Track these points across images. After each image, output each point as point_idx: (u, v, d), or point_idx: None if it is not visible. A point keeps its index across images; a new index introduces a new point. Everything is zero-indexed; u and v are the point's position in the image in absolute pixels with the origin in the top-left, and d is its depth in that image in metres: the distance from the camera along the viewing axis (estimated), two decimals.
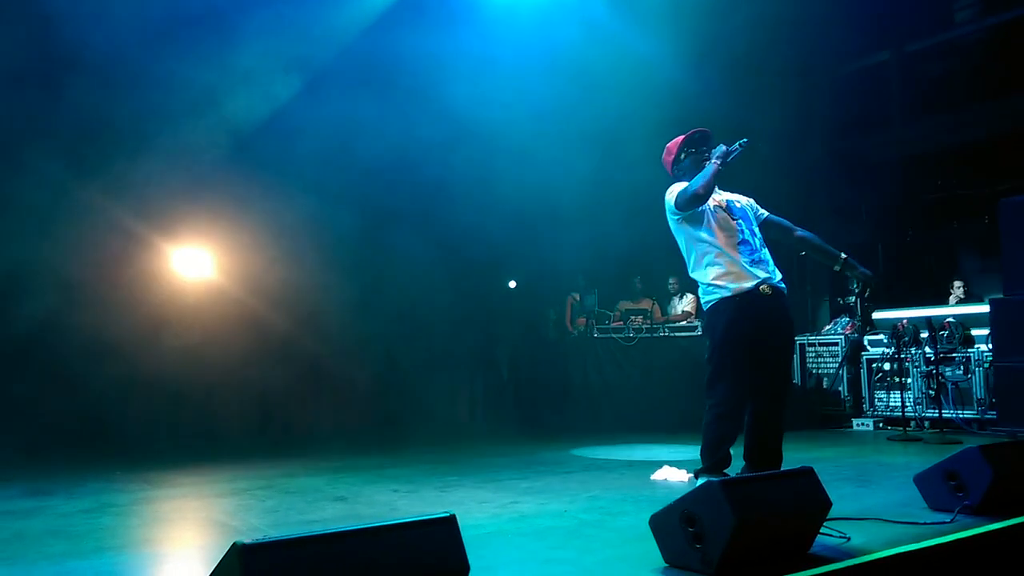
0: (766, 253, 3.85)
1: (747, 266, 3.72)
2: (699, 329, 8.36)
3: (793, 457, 5.95)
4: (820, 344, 8.66)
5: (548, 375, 9.13)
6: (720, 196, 3.94)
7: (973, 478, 3.52)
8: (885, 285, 8.95)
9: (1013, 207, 6.53)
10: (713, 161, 3.78)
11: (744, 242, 3.78)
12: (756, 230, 3.90)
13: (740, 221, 3.86)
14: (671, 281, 8.95)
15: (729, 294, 3.70)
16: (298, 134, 6.93)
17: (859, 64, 9.88)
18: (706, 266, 3.78)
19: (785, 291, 3.85)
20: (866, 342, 8.33)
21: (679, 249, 3.98)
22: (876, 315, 8.36)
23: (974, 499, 3.49)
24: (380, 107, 7.00)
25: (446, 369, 8.60)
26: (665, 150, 4.08)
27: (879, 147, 9.34)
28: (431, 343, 8.40)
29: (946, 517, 3.39)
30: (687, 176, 3.89)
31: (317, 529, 1.97)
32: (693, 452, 6.09)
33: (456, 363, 8.67)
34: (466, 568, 1.99)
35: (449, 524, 2.01)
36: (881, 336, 8.18)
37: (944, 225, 8.73)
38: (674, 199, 3.83)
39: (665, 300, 9.01)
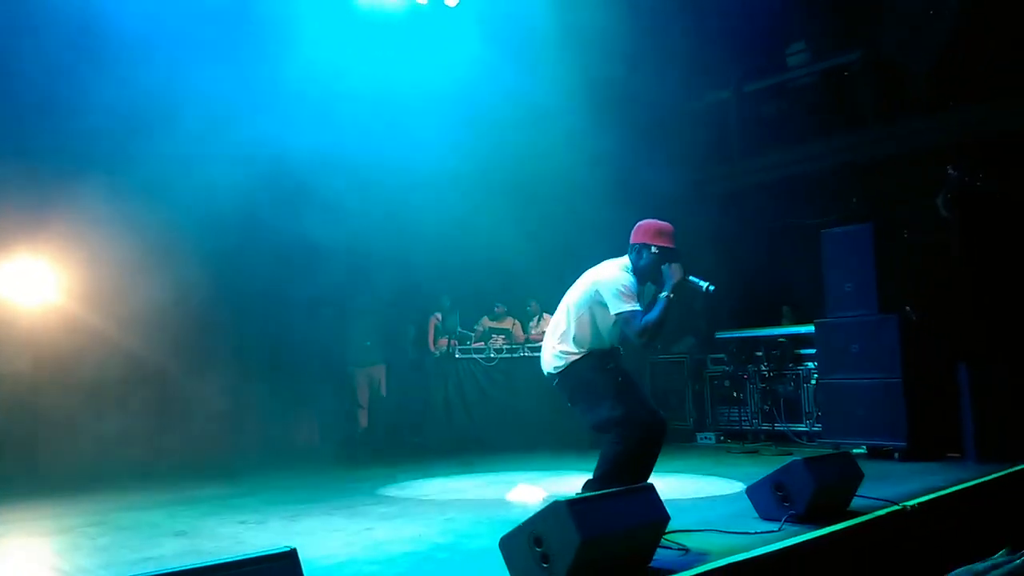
0: None
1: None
2: None
3: None
4: (668, 362, 9.12)
5: (407, 396, 9.04)
6: None
7: (798, 489, 3.81)
8: (727, 307, 9.54)
9: (833, 237, 7.15)
10: (669, 295, 3.71)
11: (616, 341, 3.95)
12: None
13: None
14: (531, 304, 9.12)
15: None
16: (155, 137, 6.50)
17: (704, 101, 10.56)
18: (584, 340, 3.85)
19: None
20: (708, 360, 8.85)
21: (570, 317, 3.91)
22: (717, 335, 8.90)
23: (799, 508, 3.77)
24: (254, 113, 6.76)
25: (297, 392, 8.32)
26: (643, 227, 3.93)
27: (722, 179, 10.00)
28: (282, 364, 8.09)
29: (774, 526, 3.65)
30: (636, 266, 3.86)
31: (148, 570, 1.85)
32: (551, 470, 6.25)
33: (308, 385, 8.40)
34: None
35: (289, 559, 1.95)
36: (722, 355, 8.71)
37: (779, 252, 9.43)
38: (622, 308, 3.69)
39: (525, 320, 9.17)
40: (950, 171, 7.37)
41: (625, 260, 3.91)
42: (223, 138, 6.61)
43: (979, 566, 0.74)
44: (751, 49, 9.86)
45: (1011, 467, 5.50)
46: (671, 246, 3.86)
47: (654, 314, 3.69)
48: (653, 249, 3.84)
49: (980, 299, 7.02)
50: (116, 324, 6.97)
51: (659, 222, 3.94)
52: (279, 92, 6.98)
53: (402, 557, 3.40)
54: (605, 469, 3.67)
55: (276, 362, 8.08)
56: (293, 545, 2.03)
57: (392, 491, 5.46)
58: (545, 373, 4.04)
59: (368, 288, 8.41)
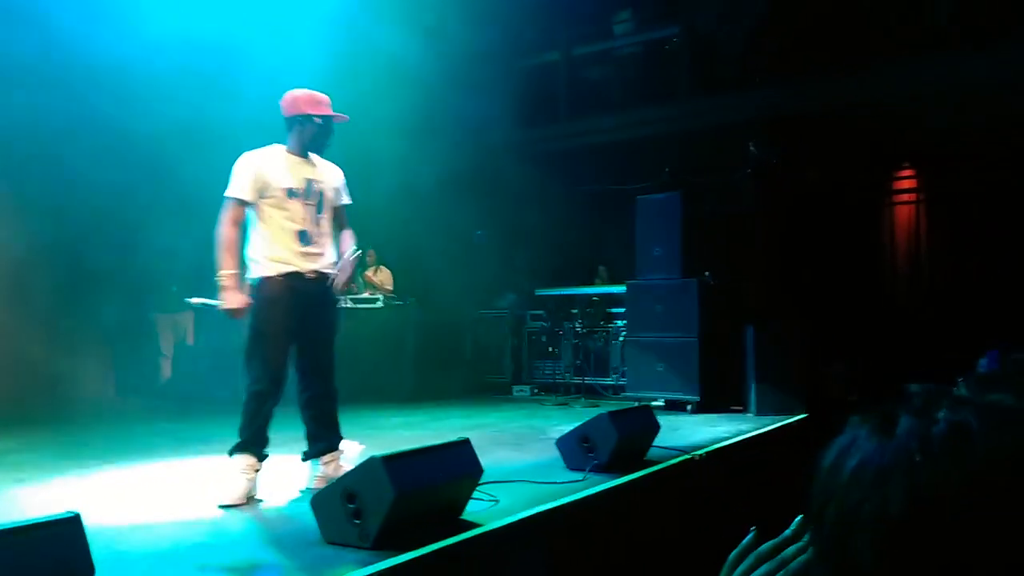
0: (325, 241, 3.78)
1: (299, 254, 3.68)
2: (380, 302, 8.41)
3: (458, 424, 6.33)
4: (490, 317, 9.29)
5: (218, 345, 8.54)
6: (299, 176, 3.72)
7: (602, 440, 4.05)
8: (548, 266, 9.84)
9: (646, 204, 7.56)
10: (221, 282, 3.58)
11: (303, 232, 3.68)
12: (324, 217, 3.79)
13: (309, 206, 3.72)
14: (367, 252, 8.79)
15: (273, 275, 3.63)
16: None
17: (534, 61, 10.66)
18: (260, 241, 3.66)
19: (330, 276, 3.77)
20: (527, 316, 9.12)
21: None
22: (537, 291, 9.18)
23: (602, 458, 4.01)
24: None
25: (90, 338, 7.62)
26: (299, 98, 3.75)
27: (547, 140, 10.20)
28: (72, 306, 7.36)
29: (579, 476, 3.86)
30: (301, 139, 3.73)
31: None
32: (367, 424, 6.19)
33: (103, 331, 7.72)
34: (90, 570, 1.78)
35: (71, 525, 1.78)
36: (541, 311, 9.01)
37: (599, 214, 9.82)
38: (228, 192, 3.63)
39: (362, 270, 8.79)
40: (751, 147, 7.99)
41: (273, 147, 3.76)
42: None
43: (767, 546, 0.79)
44: (582, 13, 10.05)
45: (783, 420, 6.19)
46: (332, 113, 3.78)
47: (223, 251, 3.59)
48: (316, 119, 3.73)
49: (768, 266, 7.73)
50: None
51: (312, 92, 3.80)
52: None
53: (199, 520, 3.23)
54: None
55: (66, 304, 7.34)
56: (76, 510, 1.86)
57: (196, 447, 5.14)
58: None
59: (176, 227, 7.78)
